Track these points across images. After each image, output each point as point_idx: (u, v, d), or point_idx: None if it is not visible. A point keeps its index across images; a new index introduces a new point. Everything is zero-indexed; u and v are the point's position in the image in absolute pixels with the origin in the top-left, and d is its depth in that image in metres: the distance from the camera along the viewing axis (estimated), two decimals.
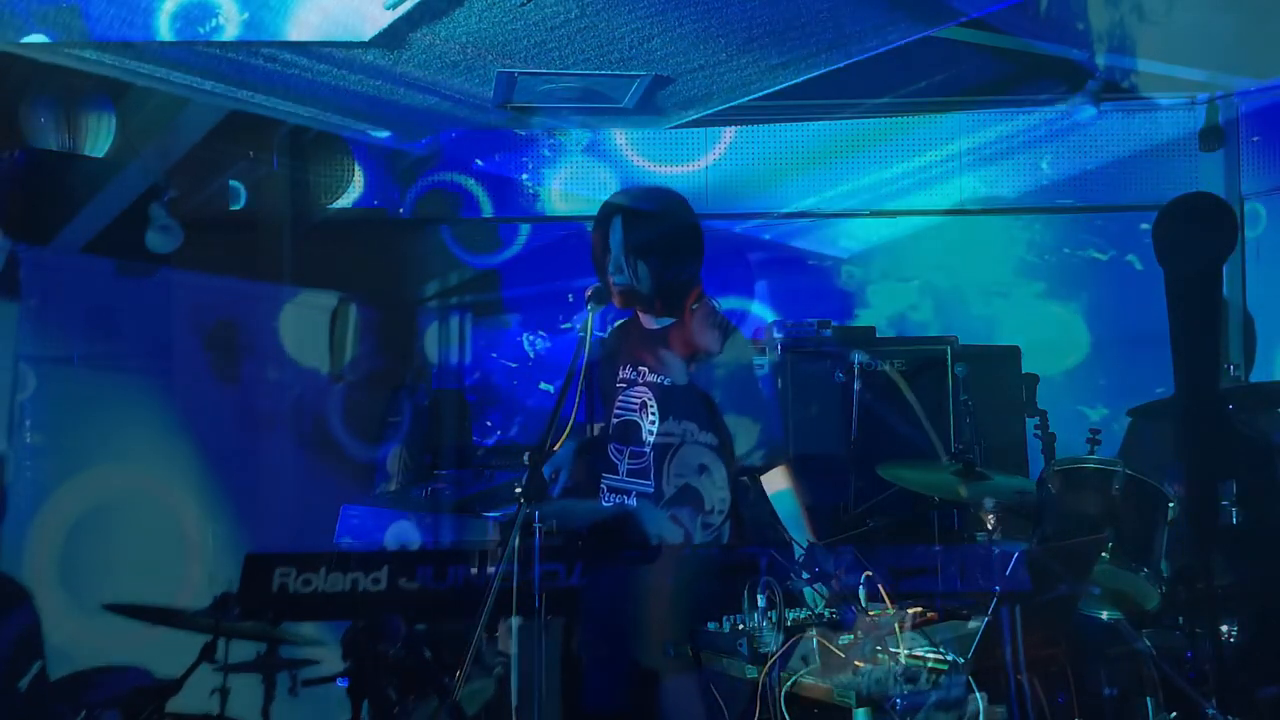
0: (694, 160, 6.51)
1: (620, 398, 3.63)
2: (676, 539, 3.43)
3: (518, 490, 3.56)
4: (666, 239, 3.68)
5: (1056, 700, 3.60)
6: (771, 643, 3.00)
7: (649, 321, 3.73)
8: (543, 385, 7.45)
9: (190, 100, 5.29)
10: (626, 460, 3.58)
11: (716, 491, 3.61)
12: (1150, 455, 5.71)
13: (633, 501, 3.56)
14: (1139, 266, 6.41)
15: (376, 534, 6.72)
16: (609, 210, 3.77)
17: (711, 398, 3.76)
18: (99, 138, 5.81)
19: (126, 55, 4.76)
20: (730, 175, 6.50)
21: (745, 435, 3.60)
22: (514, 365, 7.52)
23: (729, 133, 6.43)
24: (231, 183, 6.17)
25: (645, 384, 3.64)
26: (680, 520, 3.51)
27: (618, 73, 5.10)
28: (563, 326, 7.30)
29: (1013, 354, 6.09)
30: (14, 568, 6.05)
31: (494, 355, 7.64)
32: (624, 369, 3.67)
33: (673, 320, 3.70)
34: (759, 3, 4.54)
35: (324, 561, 2.99)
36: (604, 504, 3.47)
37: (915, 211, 6.67)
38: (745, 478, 3.76)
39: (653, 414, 3.59)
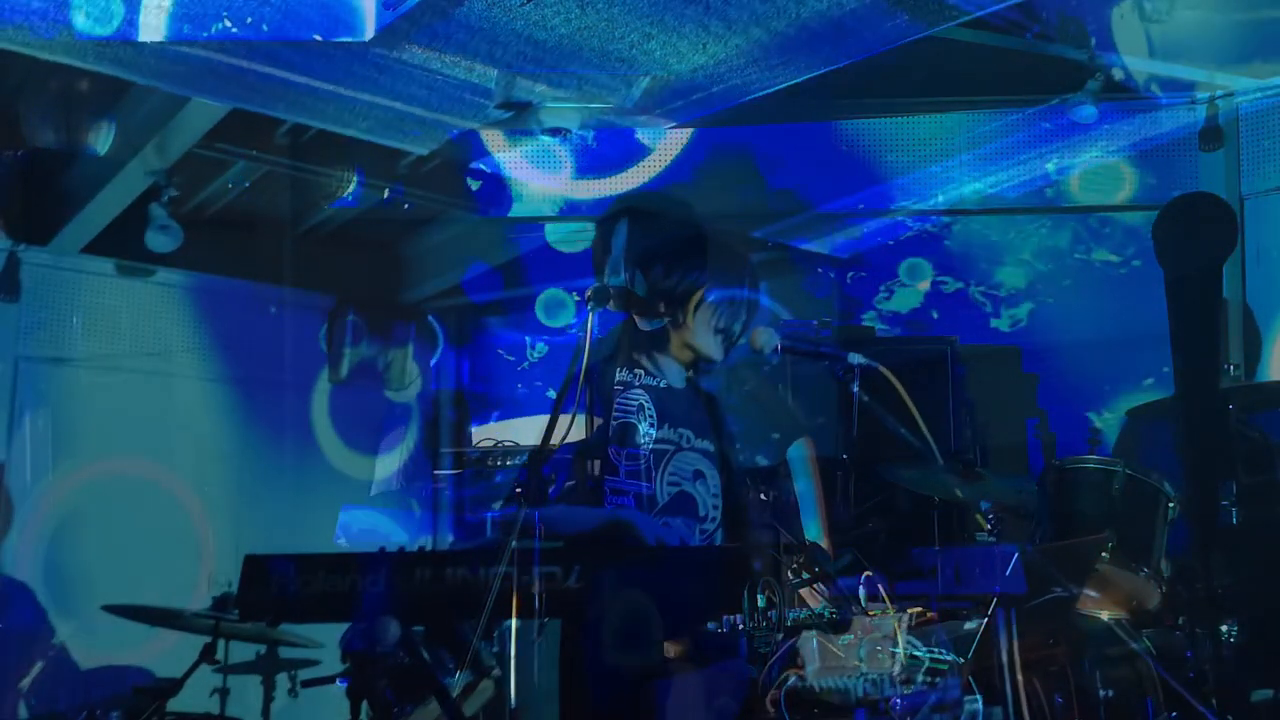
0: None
1: (618, 400, 3.61)
2: (673, 542, 3.42)
3: (518, 491, 3.56)
4: (667, 244, 3.67)
5: (1055, 700, 3.60)
6: (771, 643, 3.00)
7: (644, 324, 3.70)
8: (550, 393, 7.45)
9: (190, 100, 5.29)
10: (624, 461, 3.57)
11: (710, 499, 3.60)
12: (1147, 455, 5.71)
13: (630, 502, 3.55)
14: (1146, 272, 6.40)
15: (376, 534, 6.74)
16: (611, 212, 3.77)
17: (714, 402, 3.75)
18: (99, 138, 5.81)
19: (127, 55, 4.75)
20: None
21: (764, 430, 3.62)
22: (522, 365, 7.53)
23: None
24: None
25: (641, 386, 3.63)
26: (675, 528, 3.51)
27: (618, 73, 5.10)
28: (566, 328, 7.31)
29: (1013, 354, 6.08)
30: (15, 568, 6.06)
31: (499, 352, 7.65)
32: (621, 371, 3.65)
33: (670, 322, 3.67)
34: (758, 2, 4.54)
35: (323, 563, 2.99)
36: (598, 511, 3.46)
37: (915, 211, 6.67)
38: (749, 478, 3.76)
39: (650, 417, 3.58)
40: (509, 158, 6.19)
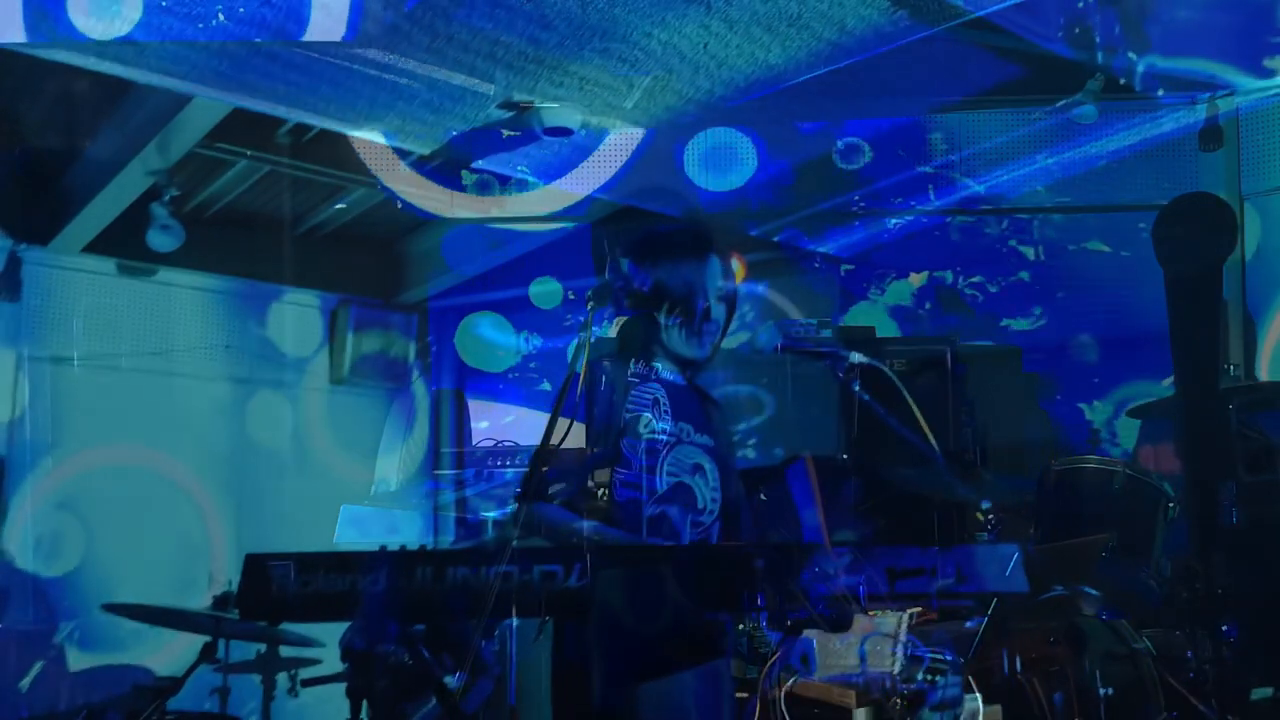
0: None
1: (633, 393, 3.61)
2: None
3: (518, 491, 3.56)
4: (663, 241, 3.69)
5: (1055, 700, 3.61)
6: (771, 643, 3.00)
7: (658, 319, 3.71)
8: (545, 386, 7.46)
9: (191, 99, 5.29)
10: (639, 455, 3.56)
11: (709, 492, 3.61)
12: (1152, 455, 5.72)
13: (643, 496, 3.55)
14: (1137, 265, 6.41)
15: (376, 534, 6.74)
16: (610, 211, 3.79)
17: (709, 399, 3.76)
18: (100, 136, 5.81)
19: (127, 55, 4.75)
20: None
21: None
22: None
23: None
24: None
25: (657, 380, 3.64)
26: (670, 517, 3.51)
27: (619, 73, 5.10)
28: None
29: (1013, 354, 6.08)
30: (14, 566, 6.06)
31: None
32: (635, 364, 3.66)
33: (678, 320, 3.69)
34: (759, 2, 4.55)
35: (323, 562, 2.99)
36: (579, 523, 3.47)
37: (915, 211, 6.67)
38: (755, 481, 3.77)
39: (665, 410, 3.59)
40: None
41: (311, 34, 4.46)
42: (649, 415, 3.56)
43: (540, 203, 6.39)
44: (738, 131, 5.98)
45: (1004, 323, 6.78)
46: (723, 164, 6.03)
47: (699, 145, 5.96)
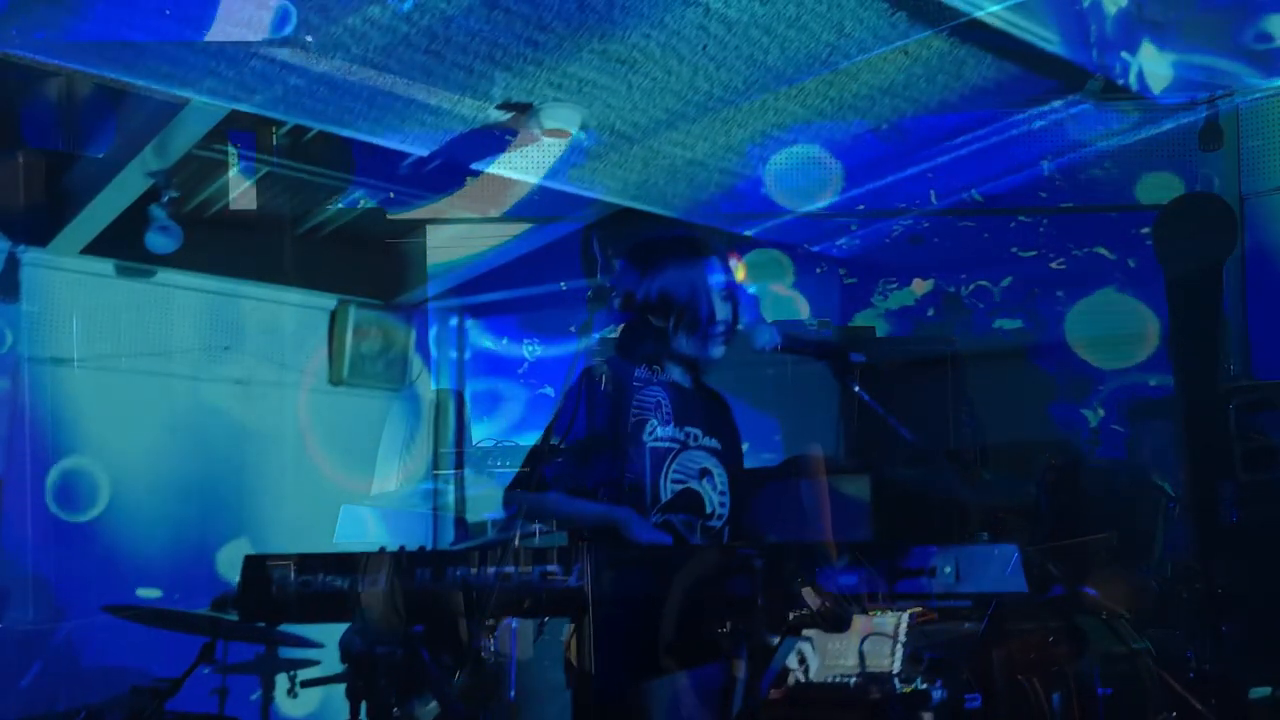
0: None
1: (636, 396, 3.60)
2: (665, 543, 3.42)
3: (516, 490, 3.56)
4: (660, 246, 3.70)
5: (1054, 700, 3.61)
6: (770, 643, 3.00)
7: (657, 322, 3.70)
8: (547, 390, 7.46)
9: (190, 100, 5.29)
10: (642, 460, 3.56)
11: (717, 496, 3.61)
12: (1152, 455, 5.72)
13: (645, 499, 3.54)
14: (1138, 267, 6.41)
15: (376, 534, 6.74)
16: (598, 214, 3.80)
17: (719, 400, 3.77)
18: (99, 138, 5.81)
19: (126, 57, 4.76)
20: None
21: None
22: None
23: None
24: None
25: (659, 383, 3.64)
26: (675, 525, 3.51)
27: (618, 74, 5.10)
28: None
29: (1013, 354, 6.09)
30: (14, 568, 6.06)
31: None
32: (640, 367, 3.65)
33: (685, 324, 3.67)
34: (759, 4, 4.55)
35: (323, 562, 2.99)
36: (593, 505, 3.46)
37: (915, 211, 6.67)
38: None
39: (666, 413, 3.59)
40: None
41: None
42: (654, 421, 3.55)
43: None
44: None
45: (1003, 325, 6.79)
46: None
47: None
